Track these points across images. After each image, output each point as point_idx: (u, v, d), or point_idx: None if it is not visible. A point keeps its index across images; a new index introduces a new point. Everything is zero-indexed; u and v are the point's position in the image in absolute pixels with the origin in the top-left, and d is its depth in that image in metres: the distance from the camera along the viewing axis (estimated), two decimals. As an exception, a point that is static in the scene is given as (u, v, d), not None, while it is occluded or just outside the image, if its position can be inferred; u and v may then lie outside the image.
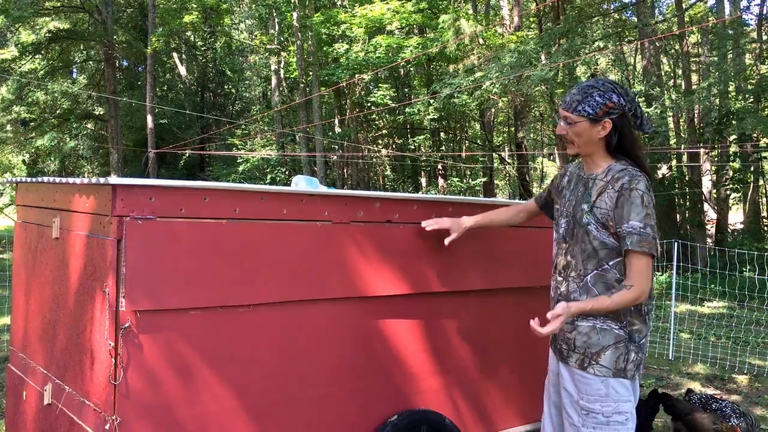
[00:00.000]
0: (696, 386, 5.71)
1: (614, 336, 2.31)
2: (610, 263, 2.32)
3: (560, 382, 2.46)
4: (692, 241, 15.31)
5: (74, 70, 29.68)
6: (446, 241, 2.75)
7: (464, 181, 23.55)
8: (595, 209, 2.32)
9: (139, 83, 27.63)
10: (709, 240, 17.70)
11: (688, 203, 18.22)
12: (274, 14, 21.53)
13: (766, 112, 16.06)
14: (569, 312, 2.23)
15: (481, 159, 23.38)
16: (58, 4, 22.91)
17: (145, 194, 2.13)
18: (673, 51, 24.43)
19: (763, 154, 18.98)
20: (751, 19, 21.09)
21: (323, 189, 2.76)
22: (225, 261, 2.28)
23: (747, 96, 17.84)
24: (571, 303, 2.26)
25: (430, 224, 2.76)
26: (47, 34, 24.22)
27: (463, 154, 23.80)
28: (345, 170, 24.39)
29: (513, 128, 22.81)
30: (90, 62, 27.81)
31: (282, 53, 22.61)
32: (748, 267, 10.65)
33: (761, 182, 23.05)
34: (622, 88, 2.33)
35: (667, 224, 16.61)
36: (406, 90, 22.51)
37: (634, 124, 2.36)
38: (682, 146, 18.01)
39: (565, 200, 2.51)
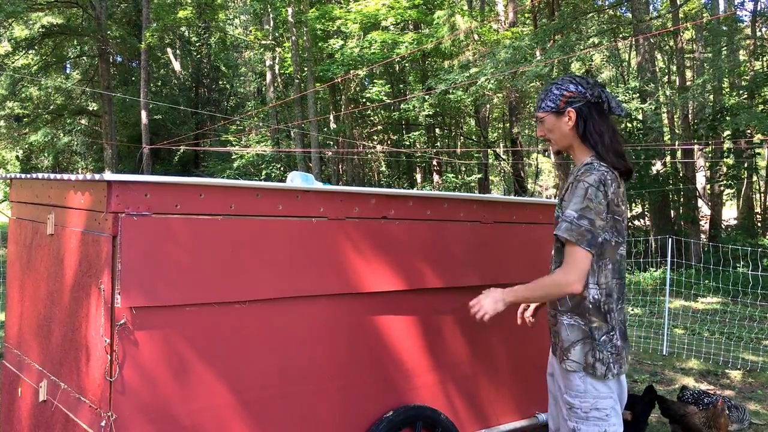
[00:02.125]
0: (690, 382, 5.74)
1: (581, 332, 2.37)
2: None
3: (554, 375, 2.54)
4: (686, 236, 15.35)
5: (68, 65, 29.60)
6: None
7: (459, 177, 23.56)
8: (562, 204, 2.40)
9: (133, 79, 27.54)
10: (702, 236, 17.76)
11: (682, 199, 18.27)
12: (269, 10, 21.50)
13: (760, 108, 16.11)
14: (491, 296, 2.41)
15: (476, 155, 23.40)
16: (52, -1, 22.81)
17: (141, 190, 2.12)
18: (667, 47, 24.48)
19: (757, 150, 19.06)
20: (746, 16, 21.15)
21: (319, 185, 2.76)
22: (220, 257, 2.28)
23: (741, 92, 17.91)
24: (493, 289, 2.44)
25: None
26: (40, 29, 24.12)
27: (458, 150, 23.82)
28: (340, 166, 24.38)
29: (508, 124, 22.84)
30: (84, 58, 27.70)
31: (277, 49, 22.58)
32: (741, 263, 10.70)
33: (755, 178, 23.12)
34: (581, 78, 2.42)
35: (661, 220, 16.68)
36: (401, 86, 22.50)
37: (605, 109, 2.39)
38: (677, 142, 18.05)
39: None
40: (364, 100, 21.09)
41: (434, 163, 22.97)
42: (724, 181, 18.99)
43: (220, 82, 29.77)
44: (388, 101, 19.69)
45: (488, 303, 2.41)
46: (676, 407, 3.84)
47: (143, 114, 22.26)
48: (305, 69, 20.07)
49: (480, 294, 2.46)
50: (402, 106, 18.87)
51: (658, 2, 25.03)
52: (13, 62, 24.34)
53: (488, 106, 22.06)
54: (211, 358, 2.27)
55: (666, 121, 20.52)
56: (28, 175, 2.83)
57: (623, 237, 2.37)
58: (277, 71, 23.87)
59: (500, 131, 27.93)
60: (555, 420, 2.61)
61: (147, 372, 2.13)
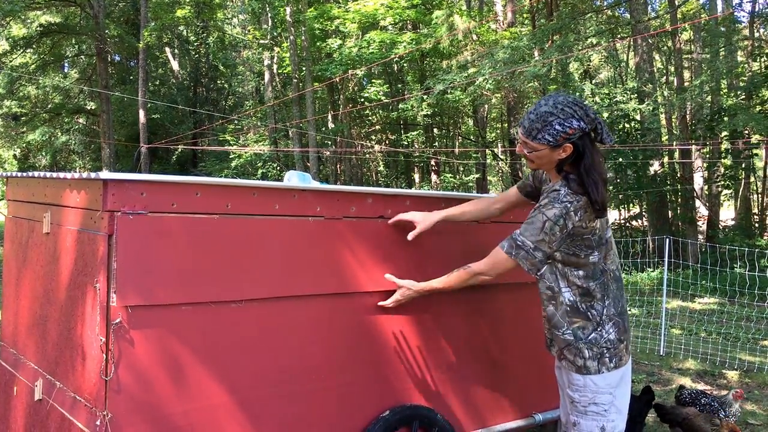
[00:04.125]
0: (687, 382, 5.74)
1: (562, 341, 2.43)
2: (544, 269, 2.44)
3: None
4: (683, 237, 15.38)
5: (66, 64, 29.55)
6: (410, 236, 2.71)
7: (457, 177, 23.58)
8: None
9: (132, 78, 27.53)
10: (700, 236, 17.79)
11: (679, 200, 18.30)
12: (267, 9, 21.48)
13: (757, 109, 16.13)
14: (404, 292, 2.65)
15: (474, 155, 23.41)
16: (50, -2, 22.76)
17: (137, 189, 2.12)
18: (665, 48, 24.52)
19: (755, 151, 19.07)
20: (743, 17, 21.18)
21: (316, 184, 2.76)
22: (217, 256, 2.27)
23: (739, 93, 17.92)
24: (414, 287, 2.64)
25: (394, 219, 2.75)
26: (38, 28, 24.07)
27: (456, 150, 23.82)
28: (338, 166, 24.38)
29: (506, 124, 22.83)
30: (82, 57, 27.67)
31: (275, 48, 22.56)
32: (738, 263, 10.71)
33: (752, 179, 23.18)
34: (581, 108, 2.28)
35: (659, 220, 16.70)
36: (399, 86, 22.49)
37: (596, 138, 2.34)
38: (674, 143, 18.07)
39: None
40: (362, 99, 21.09)
41: (432, 163, 22.98)
42: (722, 182, 19.02)
43: (219, 82, 29.75)
44: (387, 101, 19.69)
45: (403, 293, 2.66)
46: (677, 411, 3.83)
47: (141, 113, 22.24)
48: (303, 68, 20.06)
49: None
50: (400, 105, 18.87)
51: (657, 3, 25.06)
52: (10, 61, 24.29)
53: (486, 106, 22.07)
54: (206, 357, 2.26)
55: (664, 122, 20.54)
56: (25, 174, 2.82)
57: (595, 246, 2.36)
58: (275, 71, 23.85)
59: (498, 131, 27.93)
60: (566, 412, 2.64)
61: (142, 371, 2.13)
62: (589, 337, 2.37)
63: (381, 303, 2.69)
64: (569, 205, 2.28)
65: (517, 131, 2.48)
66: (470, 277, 2.50)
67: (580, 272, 2.37)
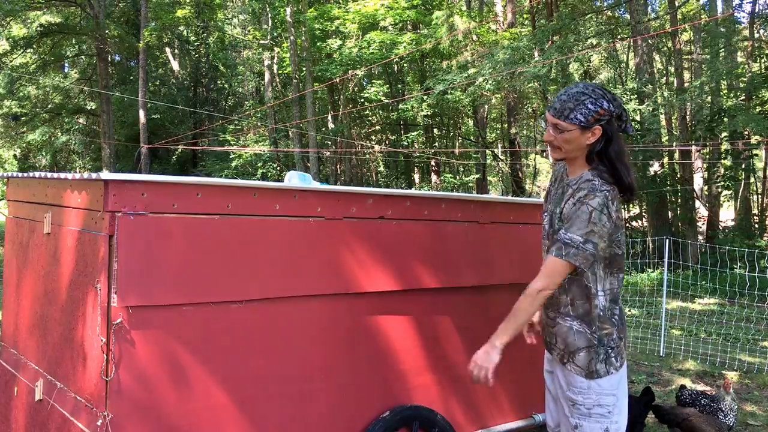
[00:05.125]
0: (686, 383, 5.74)
1: (587, 340, 2.38)
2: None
3: (553, 372, 2.54)
4: (683, 238, 15.37)
5: (66, 64, 29.56)
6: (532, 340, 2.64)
7: (457, 177, 23.55)
8: (562, 216, 2.36)
9: (132, 78, 27.51)
10: (700, 237, 17.79)
11: (679, 200, 18.30)
12: (267, 9, 21.49)
13: (757, 110, 16.13)
14: (491, 356, 2.33)
15: (474, 155, 23.41)
16: (50, -2, 22.76)
17: (138, 190, 2.12)
18: (665, 48, 24.51)
19: (754, 152, 19.06)
20: (743, 17, 21.18)
21: (316, 185, 2.76)
22: (217, 257, 2.27)
23: (738, 93, 17.92)
24: (489, 345, 2.36)
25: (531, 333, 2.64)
26: (39, 28, 24.06)
27: (456, 151, 23.82)
28: (338, 166, 24.38)
29: (506, 125, 22.83)
30: (82, 57, 27.66)
31: (275, 48, 22.56)
32: (738, 264, 10.72)
33: (752, 179, 23.16)
34: (609, 93, 2.32)
35: (659, 221, 16.71)
36: (399, 86, 22.49)
37: (619, 126, 2.35)
38: (674, 143, 18.07)
39: (550, 197, 2.53)
40: (362, 100, 21.08)
41: (432, 163, 22.97)
42: (722, 183, 19.01)
43: (219, 82, 29.73)
44: (387, 101, 19.69)
45: (482, 358, 2.35)
46: (677, 412, 3.83)
47: (141, 113, 22.24)
48: (303, 69, 20.06)
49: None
50: (400, 106, 18.87)
51: (657, 3, 25.07)
52: (11, 61, 24.29)
53: (486, 106, 22.07)
54: (207, 357, 2.27)
55: (664, 123, 20.53)
56: (26, 174, 2.82)
57: (623, 242, 2.39)
58: (275, 71, 23.84)
59: (498, 132, 27.92)
60: (554, 416, 2.62)
61: (143, 371, 2.13)
62: (610, 344, 2.37)
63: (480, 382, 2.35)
64: (608, 194, 2.27)
65: (543, 117, 2.40)
66: (535, 299, 2.30)
67: (618, 272, 2.37)
